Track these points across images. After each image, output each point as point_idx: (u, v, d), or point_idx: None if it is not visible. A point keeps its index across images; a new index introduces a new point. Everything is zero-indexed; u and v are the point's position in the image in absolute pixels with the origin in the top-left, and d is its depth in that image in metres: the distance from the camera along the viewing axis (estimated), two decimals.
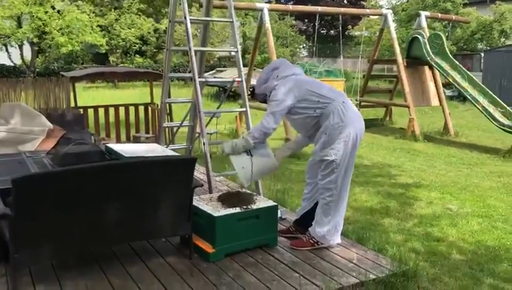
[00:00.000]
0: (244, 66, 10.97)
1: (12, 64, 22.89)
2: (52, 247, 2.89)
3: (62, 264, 3.23)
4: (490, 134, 9.51)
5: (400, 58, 9.40)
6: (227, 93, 5.24)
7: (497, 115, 8.22)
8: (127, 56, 25.41)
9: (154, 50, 26.20)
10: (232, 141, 3.59)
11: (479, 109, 8.54)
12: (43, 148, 4.64)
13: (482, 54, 16.62)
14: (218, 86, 16.78)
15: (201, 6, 5.54)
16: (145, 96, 8.51)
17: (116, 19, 23.40)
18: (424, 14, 10.17)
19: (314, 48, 24.87)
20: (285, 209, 4.50)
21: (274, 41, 22.55)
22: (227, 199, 3.63)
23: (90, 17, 21.23)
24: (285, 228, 3.93)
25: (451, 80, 8.96)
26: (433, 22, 16.82)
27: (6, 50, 21.86)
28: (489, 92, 8.72)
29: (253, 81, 16.45)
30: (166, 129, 6.45)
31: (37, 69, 22.57)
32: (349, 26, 23.67)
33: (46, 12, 20.10)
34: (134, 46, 24.32)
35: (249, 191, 4.01)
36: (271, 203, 3.72)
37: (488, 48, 17.55)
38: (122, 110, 7.39)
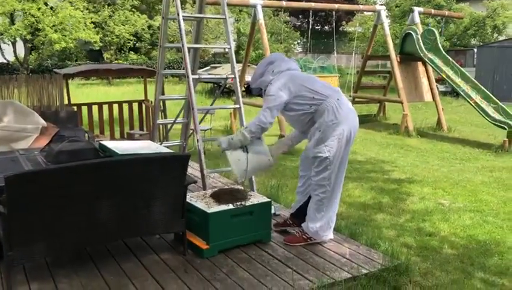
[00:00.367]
0: (239, 62, 11.01)
1: (5, 61, 22.76)
2: (46, 244, 2.90)
3: (56, 261, 3.24)
4: (483, 129, 9.57)
5: (393, 54, 9.43)
6: (221, 90, 5.25)
7: (490, 110, 8.28)
8: (121, 53, 25.30)
9: (149, 47, 26.10)
10: (228, 136, 3.60)
11: (471, 105, 8.60)
12: (37, 146, 4.63)
13: (475, 50, 16.68)
14: (212, 83, 16.76)
15: (194, 2, 5.52)
16: (139, 93, 8.50)
17: (109, 16, 23.31)
18: (417, 10, 10.20)
19: (309, 44, 24.85)
20: (279, 205, 4.52)
21: (268, 38, 22.56)
22: (220, 196, 3.65)
23: (83, 14, 21.13)
24: (283, 220, 3.96)
25: (444, 76, 9.01)
26: (427, 18, 16.84)
27: None
28: (482, 87, 8.77)
29: (248, 78, 16.48)
30: (161, 126, 6.45)
31: (30, 66, 22.44)
32: (343, 22, 23.66)
33: (39, 9, 19.98)
34: (129, 42, 24.24)
35: (242, 188, 4.04)
36: (265, 199, 3.74)
37: (481, 44, 17.63)
38: (116, 107, 7.38)
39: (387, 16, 20.72)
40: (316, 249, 3.58)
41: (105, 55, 24.80)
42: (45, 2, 20.64)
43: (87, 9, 21.60)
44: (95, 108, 7.14)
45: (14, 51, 22.03)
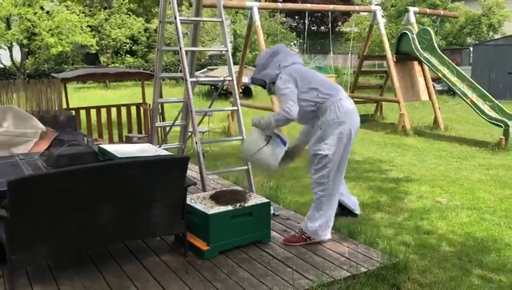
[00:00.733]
0: (236, 64, 11.03)
1: (2, 66, 22.75)
2: (48, 247, 2.93)
3: (59, 264, 3.27)
4: (479, 127, 9.63)
5: (389, 54, 9.49)
6: (218, 92, 5.28)
7: (486, 108, 8.33)
8: (117, 56, 25.32)
9: (145, 49, 26.13)
10: (260, 116, 3.67)
11: (468, 103, 8.66)
12: (37, 151, 4.66)
13: (471, 48, 16.76)
14: (210, 85, 16.80)
15: (191, 5, 5.54)
16: (137, 96, 8.54)
17: (106, 19, 23.34)
18: (412, 9, 10.26)
19: (305, 45, 24.95)
20: (277, 205, 4.56)
21: (264, 39, 22.61)
22: (220, 197, 3.69)
23: (79, 18, 21.16)
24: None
25: (440, 75, 9.07)
26: (422, 17, 16.93)
27: None
28: (478, 86, 8.83)
29: (245, 79, 16.52)
30: (159, 129, 6.48)
31: (27, 71, 22.45)
32: (339, 23, 23.74)
33: (35, 13, 20.00)
34: (125, 45, 24.26)
35: (241, 189, 4.08)
36: (264, 200, 3.78)
37: (477, 42, 17.71)
38: (114, 110, 7.41)
39: (383, 16, 20.87)
40: (316, 248, 3.61)
41: (102, 59, 24.82)
42: (41, 7, 20.66)
43: (83, 13, 21.63)
44: (93, 112, 7.17)
45: (11, 56, 22.03)
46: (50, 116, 5.64)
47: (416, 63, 9.86)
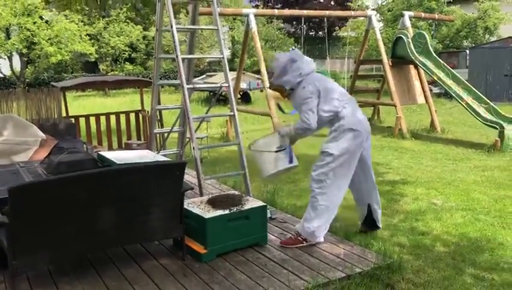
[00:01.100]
0: (234, 70, 11.19)
1: (1, 75, 22.87)
2: (49, 253, 3.00)
3: (59, 269, 3.34)
4: (476, 129, 9.69)
5: (385, 58, 9.58)
6: (216, 98, 5.37)
7: (481, 110, 8.41)
8: (116, 64, 25.45)
9: (144, 57, 26.26)
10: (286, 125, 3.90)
11: (463, 106, 8.73)
12: (37, 158, 4.74)
13: (467, 51, 16.87)
14: (208, 91, 16.90)
15: (188, 13, 5.63)
16: (136, 104, 8.61)
17: (104, 27, 23.49)
18: (407, 14, 10.37)
19: (302, 50, 25.29)
20: (274, 209, 4.63)
21: (262, 45, 22.70)
22: (217, 201, 3.76)
23: (78, 26, 21.29)
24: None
25: (435, 78, 9.15)
26: (418, 21, 17.07)
27: None
28: (473, 88, 8.91)
29: (243, 85, 16.58)
30: (158, 135, 6.56)
31: (27, 80, 22.56)
32: (336, 28, 23.87)
33: (35, 22, 20.15)
34: (124, 53, 24.40)
35: (238, 193, 4.15)
36: (260, 203, 3.85)
37: (473, 45, 17.82)
38: (113, 118, 7.49)
39: (379, 20, 20.99)
40: (312, 250, 3.68)
41: (101, 67, 24.95)
42: (40, 16, 20.81)
43: (82, 21, 21.76)
44: (92, 119, 7.25)
45: (11, 65, 22.15)
46: (50, 124, 5.73)
47: (412, 66, 9.95)
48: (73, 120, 6.59)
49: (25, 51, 20.68)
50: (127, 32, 23.73)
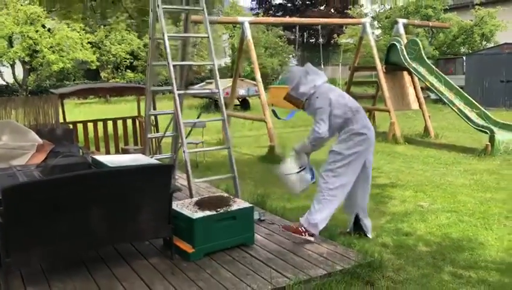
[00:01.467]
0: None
1: (4, 83, 23.13)
2: (41, 251, 3.14)
3: (52, 267, 3.47)
4: (469, 134, 9.81)
5: (379, 65, 9.74)
6: (210, 104, 5.56)
7: (473, 116, 8.54)
8: (118, 71, 25.71)
9: (145, 64, 26.43)
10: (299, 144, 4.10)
11: (454, 111, 8.86)
12: (34, 162, 4.90)
13: (464, 58, 17.02)
14: (208, 98, 17.09)
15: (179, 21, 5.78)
16: (136, 110, 8.74)
17: (106, 36, 23.77)
18: (401, 21, 10.54)
19: (296, 58, 25.53)
20: (264, 211, 4.75)
21: (262, 52, 22.85)
22: (205, 203, 3.89)
23: (80, 35, 21.56)
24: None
25: (428, 84, 9.29)
26: (416, 28, 17.26)
27: None
28: (465, 94, 9.04)
29: (242, 92, 16.71)
30: (154, 140, 6.71)
31: (29, 87, 22.82)
32: (335, 35, 24.10)
33: (37, 31, 20.44)
34: (125, 61, 24.65)
35: (226, 195, 4.28)
36: (247, 204, 3.99)
37: (470, 52, 17.98)
38: (110, 124, 7.65)
39: (378, 27, 21.20)
40: (297, 249, 3.81)
41: (103, 74, 25.21)
42: (43, 25, 21.10)
43: (83, 30, 22.03)
44: (90, 125, 7.40)
45: (13, 73, 22.42)
46: (47, 129, 5.88)
47: (406, 73, 10.10)
48: (71, 126, 6.75)
49: (27, 59, 20.97)
50: (128, 40, 24.01)
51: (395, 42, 9.88)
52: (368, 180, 4.14)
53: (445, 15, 18.14)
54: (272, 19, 8.56)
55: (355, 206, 4.16)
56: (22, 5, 20.21)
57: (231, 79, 10.28)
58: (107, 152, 7.55)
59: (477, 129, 8.42)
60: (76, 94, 9.57)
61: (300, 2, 35.09)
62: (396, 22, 10.59)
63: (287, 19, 10.03)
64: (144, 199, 3.42)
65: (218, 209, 3.75)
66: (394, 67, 10.00)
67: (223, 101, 4.70)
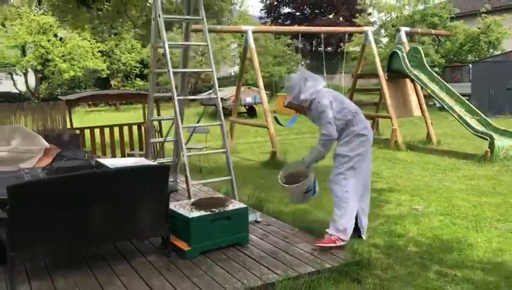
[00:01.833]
0: (243, 85, 11.59)
1: (17, 91, 23.64)
2: (44, 246, 3.32)
3: (54, 263, 3.66)
4: (471, 141, 9.86)
5: (381, 72, 9.88)
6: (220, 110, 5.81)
7: (473, 122, 8.63)
8: (127, 80, 26.12)
9: None
10: (308, 155, 4.23)
11: (455, 117, 8.96)
12: (41, 165, 5.11)
13: (470, 66, 17.06)
14: (215, 105, 17.31)
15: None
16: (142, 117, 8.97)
17: (116, 45, 24.20)
18: (403, 29, 10.68)
19: (304, 65, 25.72)
20: (260, 213, 4.91)
21: (270, 61, 23.05)
22: (202, 203, 4.08)
23: (91, 44, 22.02)
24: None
25: (429, 91, 9.40)
26: (422, 36, 17.37)
27: (12, 78, 22.67)
28: (466, 101, 9.14)
29: (249, 99, 16.89)
30: (157, 144, 6.91)
31: (41, 95, 23.29)
32: (342, 44, 24.24)
33: (49, 40, 20.93)
34: (135, 69, 25.05)
35: (223, 196, 4.46)
36: (242, 205, 4.15)
37: (476, 59, 18.01)
38: (116, 130, 7.88)
39: (385, 35, 21.33)
40: (288, 249, 3.96)
41: (113, 83, 25.63)
42: (55, 34, 21.60)
43: (94, 39, 22.50)
44: (97, 131, 7.64)
45: (26, 82, 22.93)
46: (54, 134, 6.12)
47: (408, 80, 10.22)
48: (78, 131, 6.98)
49: (39, 67, 21.47)
50: (137, 49, 24.42)
51: (396, 50, 10.02)
52: (368, 180, 4.27)
53: (452, 23, 18.20)
54: (274, 28, 8.78)
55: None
56: (35, 15, 20.73)
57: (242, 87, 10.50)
58: (113, 157, 7.77)
59: (476, 135, 8.51)
60: (82, 100, 9.85)
61: (309, 11, 35.29)
62: (398, 30, 10.73)
63: (290, 28, 10.24)
64: (142, 198, 3.60)
65: (213, 210, 3.92)
66: (396, 75, 10.13)
67: (220, 107, 4.88)
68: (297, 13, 35.96)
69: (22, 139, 5.65)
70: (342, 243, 3.94)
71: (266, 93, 16.51)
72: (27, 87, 23.18)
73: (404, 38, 10.44)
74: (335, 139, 4.05)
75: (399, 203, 5.65)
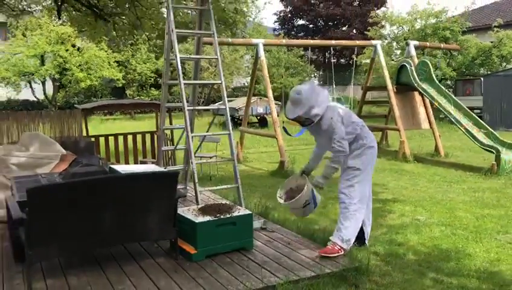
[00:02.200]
0: (255, 95, 11.81)
1: (35, 99, 24.22)
2: (59, 246, 3.54)
3: (68, 263, 3.89)
4: (480, 154, 9.92)
5: (389, 85, 10.03)
6: (212, 120, 6.01)
7: (480, 136, 8.72)
8: (143, 89, 26.59)
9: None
10: (321, 176, 4.31)
11: (462, 131, 9.05)
12: (57, 171, 5.37)
13: (482, 79, 17.09)
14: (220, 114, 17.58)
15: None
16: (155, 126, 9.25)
17: (132, 55, 24.72)
18: (412, 43, 10.84)
19: (317, 77, 25.92)
20: (266, 220, 5.08)
21: (283, 72, 23.31)
22: (208, 209, 4.27)
23: (107, 54, 22.53)
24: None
25: (437, 104, 9.52)
26: (434, 50, 17.46)
27: (30, 86, 23.26)
28: (474, 115, 9.24)
29: (260, 110, 17.09)
30: (169, 152, 7.14)
31: (58, 104, 23.84)
32: (353, 56, 24.42)
33: (67, 50, 21.49)
34: (150, 79, 25.51)
35: (229, 203, 4.64)
36: (247, 212, 4.33)
37: (488, 73, 18.03)
38: (130, 138, 8.15)
39: (397, 48, 21.45)
40: (291, 254, 4.13)
41: (128, 92, 26.11)
42: (73, 44, 22.18)
43: (111, 49, 23.01)
44: (111, 139, 7.91)
45: (44, 90, 23.49)
46: (71, 141, 6.39)
47: (416, 93, 10.34)
48: (93, 139, 7.26)
49: (57, 76, 22.02)
50: (153, 60, 24.89)
51: (405, 63, 10.17)
52: (371, 189, 4.46)
53: (464, 37, 18.29)
54: (284, 41, 9.03)
55: None
56: (54, 26, 21.32)
57: (253, 97, 10.71)
58: (126, 164, 8.03)
59: (483, 148, 8.59)
60: (98, 109, 10.19)
61: (323, 23, 35.58)
62: (407, 44, 10.89)
63: (299, 41, 10.48)
64: (151, 202, 3.80)
65: (219, 215, 4.11)
66: (405, 88, 10.27)
67: (229, 117, 5.09)
68: (311, 25, 36.28)
69: (40, 145, 5.92)
70: (343, 253, 4.09)
71: (278, 104, 16.80)
72: (45, 95, 23.75)
73: (413, 52, 10.60)
74: (347, 154, 4.15)
75: (402, 213, 5.77)
